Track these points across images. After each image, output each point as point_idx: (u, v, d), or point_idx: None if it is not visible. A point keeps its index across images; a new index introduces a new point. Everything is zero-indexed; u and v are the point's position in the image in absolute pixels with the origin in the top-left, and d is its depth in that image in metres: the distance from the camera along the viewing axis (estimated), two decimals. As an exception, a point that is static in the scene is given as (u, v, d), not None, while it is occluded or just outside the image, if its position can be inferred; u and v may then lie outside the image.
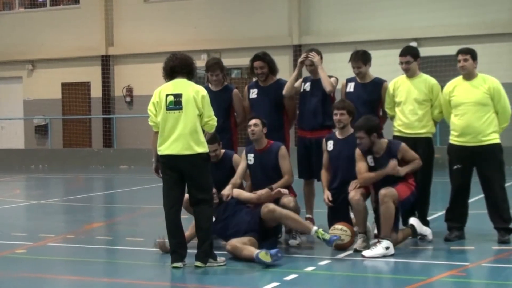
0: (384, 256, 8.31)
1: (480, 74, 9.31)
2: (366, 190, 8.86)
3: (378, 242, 8.44)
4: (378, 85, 9.61)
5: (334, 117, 9.10)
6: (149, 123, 8.25)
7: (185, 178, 7.98)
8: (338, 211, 9.09)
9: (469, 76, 9.25)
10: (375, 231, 9.15)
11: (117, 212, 14.29)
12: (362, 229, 8.79)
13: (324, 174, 9.31)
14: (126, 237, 10.30)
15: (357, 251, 8.60)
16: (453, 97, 9.29)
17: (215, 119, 8.16)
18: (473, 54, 9.26)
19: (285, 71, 20.13)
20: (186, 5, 27.19)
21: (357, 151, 8.88)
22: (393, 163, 8.64)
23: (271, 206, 8.67)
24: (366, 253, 8.38)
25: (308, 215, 10.05)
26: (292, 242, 9.22)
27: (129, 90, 28.15)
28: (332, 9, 25.24)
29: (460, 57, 9.26)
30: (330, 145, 9.20)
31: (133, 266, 8.39)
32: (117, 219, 13.02)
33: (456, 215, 9.38)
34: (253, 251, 8.13)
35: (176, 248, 8.01)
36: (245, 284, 7.45)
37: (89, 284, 7.60)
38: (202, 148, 7.96)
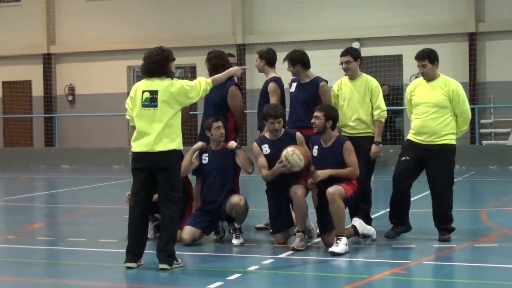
0: (345, 253, 8.44)
1: (443, 76, 9.40)
2: (305, 188, 8.90)
3: (338, 239, 8.49)
4: (316, 85, 9.63)
5: (271, 126, 9.08)
6: (127, 117, 8.21)
7: (156, 175, 7.90)
8: (280, 210, 9.14)
9: (429, 78, 9.34)
10: (317, 230, 9.20)
11: (58, 212, 14.13)
12: (301, 228, 8.83)
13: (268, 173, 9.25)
14: (68, 237, 10.19)
15: (296, 250, 8.65)
16: (413, 97, 9.41)
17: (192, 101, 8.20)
18: (430, 57, 9.32)
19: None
20: (128, 4, 27.02)
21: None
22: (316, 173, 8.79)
23: (243, 201, 9.14)
24: (334, 249, 8.41)
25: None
26: (235, 241, 9.23)
27: (71, 89, 27.88)
28: (276, 9, 25.32)
29: (418, 63, 9.34)
30: (266, 148, 9.19)
31: (75, 267, 8.31)
32: (58, 219, 12.87)
33: (397, 208, 9.44)
34: None
35: (133, 248, 7.92)
36: (188, 284, 7.44)
37: (31, 285, 7.50)
38: (174, 145, 7.90)
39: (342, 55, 9.66)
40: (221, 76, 8.63)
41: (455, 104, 9.24)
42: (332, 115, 8.91)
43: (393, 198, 9.47)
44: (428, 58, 9.29)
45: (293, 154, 8.71)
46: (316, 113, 8.87)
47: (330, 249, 8.45)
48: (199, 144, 9.51)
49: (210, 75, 9.50)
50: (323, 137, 8.92)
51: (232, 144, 9.39)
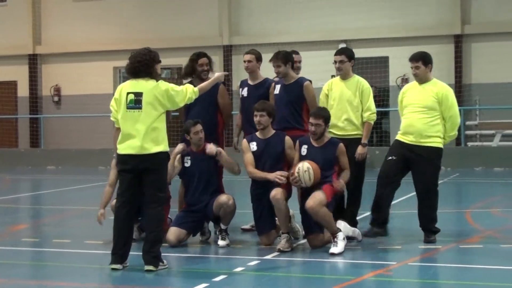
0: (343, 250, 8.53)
1: (435, 79, 9.46)
2: (287, 190, 8.89)
3: (335, 237, 8.53)
4: (300, 85, 9.64)
5: (254, 118, 9.13)
6: (111, 119, 8.15)
7: (143, 177, 7.87)
8: (263, 212, 9.14)
9: (422, 80, 9.38)
10: (303, 232, 9.20)
11: (43, 214, 14.07)
12: (285, 229, 8.84)
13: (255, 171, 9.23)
14: (53, 238, 10.15)
15: (281, 251, 8.66)
16: (404, 98, 9.52)
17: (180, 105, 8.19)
18: (424, 59, 9.37)
19: (215, 71, 20.09)
20: (115, 4, 26.97)
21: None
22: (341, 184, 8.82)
23: (231, 200, 9.16)
24: (334, 250, 8.45)
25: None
26: (221, 242, 9.21)
27: (57, 90, 27.81)
28: (263, 10, 25.34)
29: (411, 64, 9.39)
30: (253, 145, 9.20)
31: (60, 268, 8.28)
32: (43, 220, 12.83)
33: (379, 208, 9.47)
34: None
35: (118, 249, 7.90)
36: (173, 285, 7.43)
37: (15, 287, 7.44)
38: (161, 147, 7.87)
39: (337, 54, 9.68)
40: (207, 84, 8.61)
41: (444, 108, 9.27)
42: (328, 116, 8.99)
43: (376, 197, 9.49)
44: (422, 60, 9.34)
45: (306, 172, 8.67)
46: (315, 121, 8.83)
47: (330, 251, 8.47)
48: (180, 147, 9.45)
49: (206, 78, 9.60)
50: (319, 138, 8.93)
51: (212, 150, 9.29)
